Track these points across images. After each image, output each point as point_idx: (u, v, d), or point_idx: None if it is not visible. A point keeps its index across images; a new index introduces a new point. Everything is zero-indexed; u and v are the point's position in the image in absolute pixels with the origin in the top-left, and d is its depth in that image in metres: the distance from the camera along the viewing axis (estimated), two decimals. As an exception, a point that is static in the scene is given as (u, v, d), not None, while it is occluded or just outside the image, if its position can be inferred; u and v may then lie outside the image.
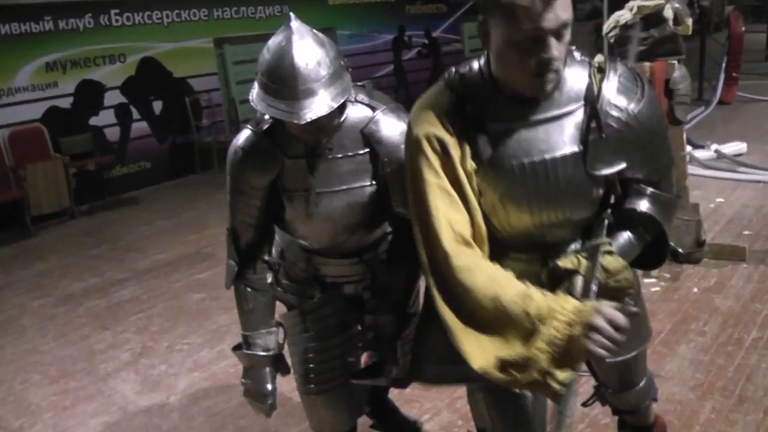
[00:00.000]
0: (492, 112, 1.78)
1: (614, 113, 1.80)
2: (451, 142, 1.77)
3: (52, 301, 5.66)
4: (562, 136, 1.79)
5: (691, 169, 5.45)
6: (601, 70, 1.84)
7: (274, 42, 2.07)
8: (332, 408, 2.64)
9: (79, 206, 8.36)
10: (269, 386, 2.49)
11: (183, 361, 4.44)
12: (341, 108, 2.16)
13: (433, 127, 1.77)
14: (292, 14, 2.11)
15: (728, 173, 7.46)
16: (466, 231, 1.76)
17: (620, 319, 1.61)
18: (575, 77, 1.81)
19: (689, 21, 4.95)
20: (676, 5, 4.90)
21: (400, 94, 13.02)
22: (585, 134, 1.79)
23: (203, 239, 6.79)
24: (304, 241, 2.47)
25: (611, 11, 5.35)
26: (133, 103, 9.33)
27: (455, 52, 14.49)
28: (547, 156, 1.79)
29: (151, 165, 9.52)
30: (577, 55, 1.85)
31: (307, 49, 2.03)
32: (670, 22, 4.85)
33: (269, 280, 2.49)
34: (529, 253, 1.93)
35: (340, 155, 2.26)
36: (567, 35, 1.65)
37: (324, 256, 2.51)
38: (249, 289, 2.46)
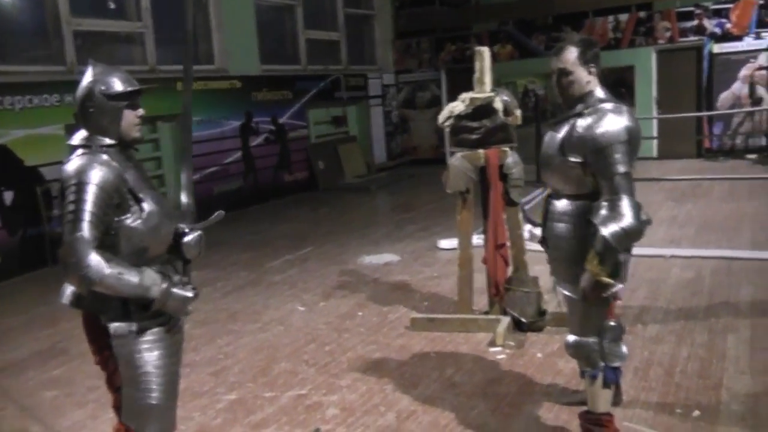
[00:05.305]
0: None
1: (578, 128, 3.32)
2: None
3: None
4: (562, 130, 3.43)
5: (531, 246, 5.86)
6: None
7: (96, 69, 2.93)
8: (173, 410, 3.10)
9: None
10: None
11: (38, 459, 4.32)
12: None
13: None
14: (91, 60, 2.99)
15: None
16: None
17: None
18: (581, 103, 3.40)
19: (518, 112, 5.45)
20: (505, 98, 5.39)
21: (249, 180, 13.21)
22: (567, 132, 3.39)
23: (56, 334, 6.58)
24: (151, 241, 2.91)
25: (450, 99, 5.80)
26: (-16, 194, 9.00)
27: (301, 137, 14.87)
28: (557, 136, 3.45)
29: (1, 259, 9.15)
30: (600, 93, 3.40)
31: None
32: (500, 113, 5.32)
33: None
34: None
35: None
36: (567, 79, 3.41)
37: (155, 261, 2.96)
38: (112, 262, 2.74)
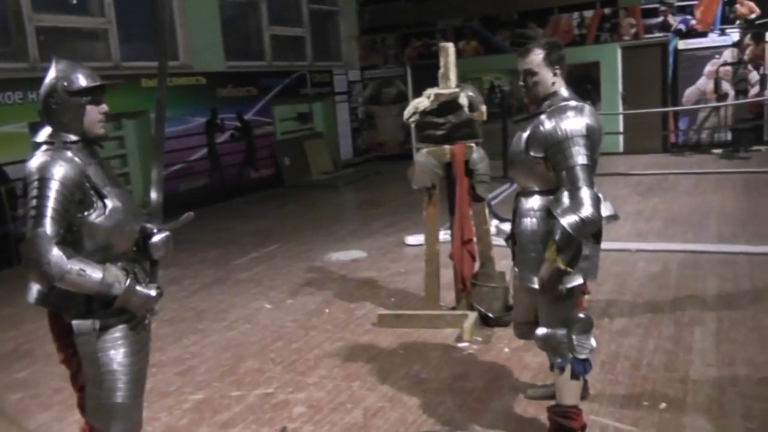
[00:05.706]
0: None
1: (541, 126, 3.41)
2: None
3: None
4: (528, 128, 3.51)
5: (498, 241, 5.89)
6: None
7: (59, 65, 2.89)
8: (139, 410, 3.07)
9: None
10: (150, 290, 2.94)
11: (0, 463, 4.25)
12: None
13: None
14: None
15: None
16: None
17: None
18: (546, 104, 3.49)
19: (483, 108, 5.47)
20: (470, 94, 5.40)
21: (215, 177, 13.10)
22: (531, 129, 3.47)
23: (21, 336, 6.48)
24: (114, 237, 2.89)
25: (416, 95, 5.80)
26: (-53, 194, 8.81)
27: (267, 134, 14.76)
28: (523, 134, 3.54)
29: (-35, 261, 8.99)
30: (564, 93, 3.49)
31: None
32: (466, 109, 5.33)
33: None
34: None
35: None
36: (532, 79, 3.49)
37: (120, 258, 2.93)
38: (74, 259, 2.71)
